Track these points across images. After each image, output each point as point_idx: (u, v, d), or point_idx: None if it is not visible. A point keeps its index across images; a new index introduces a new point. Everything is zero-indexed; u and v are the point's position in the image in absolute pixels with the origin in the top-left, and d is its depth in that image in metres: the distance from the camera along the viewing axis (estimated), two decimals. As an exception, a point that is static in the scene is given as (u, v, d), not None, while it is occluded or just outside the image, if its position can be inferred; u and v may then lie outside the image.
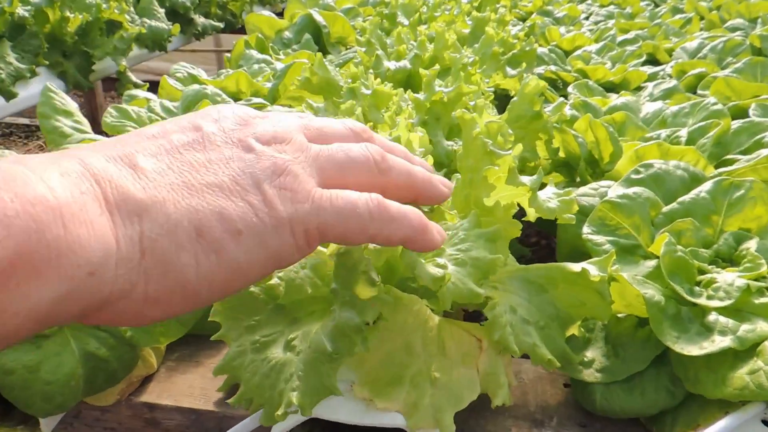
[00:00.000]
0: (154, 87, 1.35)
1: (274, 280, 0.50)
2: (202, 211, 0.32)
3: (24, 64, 1.57)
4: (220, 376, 0.47)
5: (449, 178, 0.52)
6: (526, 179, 0.50)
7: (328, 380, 0.43)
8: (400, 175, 0.42)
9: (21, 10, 1.70)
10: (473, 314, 0.64)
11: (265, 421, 0.44)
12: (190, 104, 1.08)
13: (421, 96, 0.73)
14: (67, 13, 1.84)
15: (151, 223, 0.31)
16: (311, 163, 0.38)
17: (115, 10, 2.02)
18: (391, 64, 1.07)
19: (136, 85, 1.99)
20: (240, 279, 0.34)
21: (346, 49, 2.01)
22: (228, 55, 1.56)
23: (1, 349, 0.29)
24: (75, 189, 0.30)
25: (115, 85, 2.26)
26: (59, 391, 0.53)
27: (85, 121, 1.00)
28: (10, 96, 1.49)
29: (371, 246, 0.47)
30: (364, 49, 1.14)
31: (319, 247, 0.51)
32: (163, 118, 1.06)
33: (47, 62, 1.73)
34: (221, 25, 2.94)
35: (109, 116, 0.99)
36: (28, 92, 1.58)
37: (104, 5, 1.98)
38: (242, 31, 2.86)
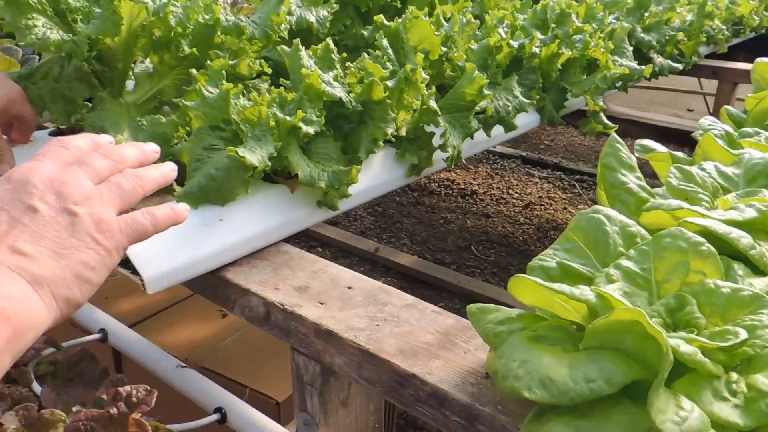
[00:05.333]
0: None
1: None
2: (72, 265, 0.55)
3: (525, 97, 1.62)
4: None
5: None
6: None
7: None
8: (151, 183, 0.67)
9: (514, 43, 1.77)
10: None
11: None
12: (758, 175, 0.92)
13: None
14: (562, 50, 1.86)
15: (54, 286, 0.53)
16: (107, 204, 0.60)
17: (601, 49, 1.99)
18: None
19: (606, 126, 1.92)
20: (96, 288, 0.58)
21: None
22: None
23: None
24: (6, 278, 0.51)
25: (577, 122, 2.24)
26: None
27: (642, 176, 0.93)
28: (510, 128, 1.54)
29: None
30: None
31: None
32: (721, 185, 0.92)
33: (538, 96, 1.77)
34: (680, 66, 2.71)
35: (674, 178, 0.89)
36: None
37: (592, 43, 1.96)
38: (688, 72, 2.71)
